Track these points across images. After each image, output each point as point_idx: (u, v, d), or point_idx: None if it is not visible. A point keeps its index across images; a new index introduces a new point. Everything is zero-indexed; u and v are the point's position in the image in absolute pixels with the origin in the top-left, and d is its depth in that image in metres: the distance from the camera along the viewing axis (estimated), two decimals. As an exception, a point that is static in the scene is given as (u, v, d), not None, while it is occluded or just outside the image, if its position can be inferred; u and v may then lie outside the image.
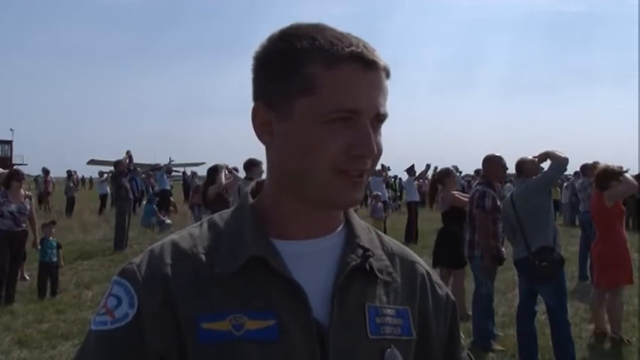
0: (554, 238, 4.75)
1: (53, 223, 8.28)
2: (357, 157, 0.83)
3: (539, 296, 4.93)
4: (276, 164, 0.89)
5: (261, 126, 0.88)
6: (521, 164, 5.07)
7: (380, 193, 13.92)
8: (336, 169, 0.82)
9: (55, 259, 7.69)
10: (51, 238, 7.79)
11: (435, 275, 1.01)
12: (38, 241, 7.57)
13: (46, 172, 22.27)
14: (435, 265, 6.65)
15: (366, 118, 0.82)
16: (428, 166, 14.41)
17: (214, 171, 7.54)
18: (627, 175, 5.63)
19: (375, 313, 0.88)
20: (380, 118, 0.85)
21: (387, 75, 0.87)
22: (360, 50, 0.82)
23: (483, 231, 5.38)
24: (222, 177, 7.47)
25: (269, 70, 0.86)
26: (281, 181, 0.89)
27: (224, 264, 0.85)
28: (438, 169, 8.19)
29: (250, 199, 0.93)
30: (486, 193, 5.40)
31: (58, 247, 7.86)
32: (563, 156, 4.80)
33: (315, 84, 0.82)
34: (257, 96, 0.88)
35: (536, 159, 4.97)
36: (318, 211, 0.89)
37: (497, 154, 5.64)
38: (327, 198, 0.85)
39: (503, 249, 5.57)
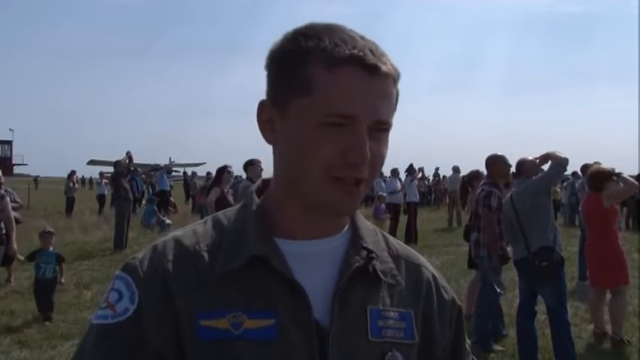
0: (554, 239, 4.75)
1: (51, 233, 6.65)
2: (351, 164, 0.80)
3: (539, 296, 4.93)
4: (279, 163, 0.88)
5: (265, 123, 0.88)
6: (521, 164, 5.07)
7: (384, 194, 13.95)
8: (330, 174, 0.81)
9: (51, 274, 6.25)
10: (51, 249, 6.39)
11: (442, 279, 1.01)
12: (15, 248, 6.17)
13: None
14: (471, 267, 6.68)
15: (362, 124, 0.80)
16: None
17: (222, 172, 7.44)
18: (625, 175, 5.65)
19: (377, 315, 0.88)
20: (380, 125, 0.82)
21: (395, 82, 0.84)
22: (361, 54, 0.80)
23: (489, 230, 5.39)
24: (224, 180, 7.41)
25: (275, 68, 0.86)
26: (284, 182, 0.88)
27: (225, 262, 0.85)
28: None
29: (255, 198, 0.92)
30: (492, 192, 5.41)
31: (59, 260, 6.37)
32: (563, 156, 4.81)
33: (312, 85, 0.81)
34: (267, 93, 0.88)
35: (538, 160, 4.97)
36: (320, 215, 0.88)
37: (500, 153, 5.65)
38: (321, 204, 0.84)
39: (508, 248, 5.58)
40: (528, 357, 4.84)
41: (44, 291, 6.23)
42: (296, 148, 0.83)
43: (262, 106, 0.88)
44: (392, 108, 0.84)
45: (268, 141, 0.89)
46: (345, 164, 0.81)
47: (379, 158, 0.84)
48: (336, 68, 0.80)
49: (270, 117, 0.86)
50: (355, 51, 0.80)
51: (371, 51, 0.81)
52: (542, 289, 4.79)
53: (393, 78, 0.84)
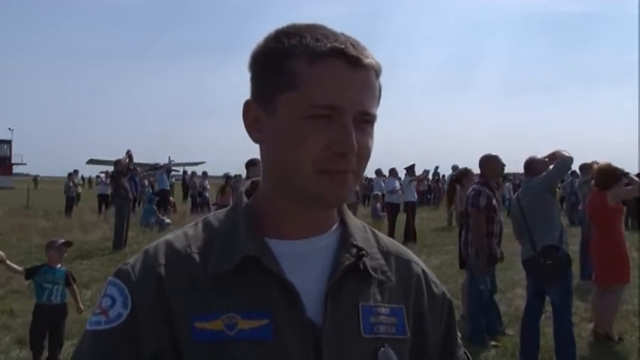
0: (560, 237, 4.71)
1: (67, 244, 4.97)
2: (339, 155, 0.82)
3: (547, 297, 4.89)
4: (267, 161, 0.89)
5: (251, 122, 0.89)
6: (531, 163, 5.03)
7: (379, 194, 13.95)
8: (319, 167, 0.82)
9: (59, 300, 4.64)
10: (59, 266, 4.74)
11: (432, 274, 1.01)
12: (8, 262, 4.72)
13: None
14: (462, 267, 6.68)
15: (347, 115, 0.82)
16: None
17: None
18: (632, 176, 5.66)
19: (369, 312, 0.88)
20: (365, 117, 0.84)
21: (377, 74, 0.86)
22: (342, 46, 0.82)
23: (476, 229, 5.41)
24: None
25: (259, 68, 0.87)
26: (272, 179, 0.89)
27: (218, 264, 0.85)
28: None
29: (245, 199, 0.93)
30: (481, 192, 5.45)
31: (68, 280, 4.72)
32: (567, 155, 4.81)
33: (297, 80, 0.82)
34: (251, 93, 0.89)
35: (547, 159, 4.97)
36: (310, 209, 0.89)
37: (494, 153, 5.69)
38: (311, 196, 0.85)
39: (499, 248, 5.58)
40: (529, 356, 4.84)
41: (50, 320, 4.62)
42: (284, 142, 0.84)
43: (248, 106, 0.89)
44: (375, 100, 0.86)
45: (255, 140, 0.90)
46: (333, 155, 0.82)
47: (365, 149, 0.85)
48: (319, 62, 0.82)
49: (256, 116, 0.88)
50: (337, 44, 0.82)
51: (352, 45, 0.83)
52: (549, 288, 4.76)
53: (375, 70, 0.86)
